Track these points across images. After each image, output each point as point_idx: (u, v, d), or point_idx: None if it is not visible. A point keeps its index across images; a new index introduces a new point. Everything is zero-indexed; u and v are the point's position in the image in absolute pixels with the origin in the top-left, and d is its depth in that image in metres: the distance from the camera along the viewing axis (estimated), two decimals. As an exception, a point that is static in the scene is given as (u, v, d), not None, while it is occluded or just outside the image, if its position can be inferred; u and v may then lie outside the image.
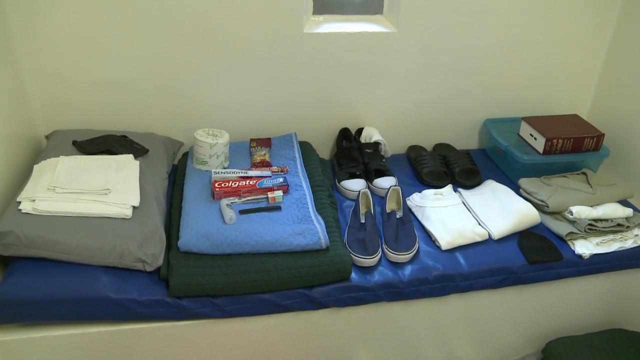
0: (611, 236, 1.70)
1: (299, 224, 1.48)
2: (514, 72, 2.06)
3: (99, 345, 1.43)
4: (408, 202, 1.74)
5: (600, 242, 1.68)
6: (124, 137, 1.74)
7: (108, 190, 1.47)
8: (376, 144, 1.91)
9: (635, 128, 1.96)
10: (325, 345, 1.58)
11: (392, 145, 2.09)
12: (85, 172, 1.52)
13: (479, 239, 1.61)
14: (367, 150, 1.88)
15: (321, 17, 1.92)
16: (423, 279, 1.50)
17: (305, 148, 1.90)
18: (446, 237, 1.59)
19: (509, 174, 1.97)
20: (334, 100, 1.97)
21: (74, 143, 1.68)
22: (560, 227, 1.69)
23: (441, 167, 1.92)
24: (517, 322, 1.72)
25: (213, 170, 1.66)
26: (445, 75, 2.01)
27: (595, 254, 1.64)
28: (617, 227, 1.71)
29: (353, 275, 1.48)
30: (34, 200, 1.41)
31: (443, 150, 2.06)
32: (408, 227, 1.59)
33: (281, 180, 1.63)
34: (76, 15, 1.66)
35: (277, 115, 1.96)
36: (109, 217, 1.42)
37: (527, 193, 1.79)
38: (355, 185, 1.77)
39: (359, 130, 2.01)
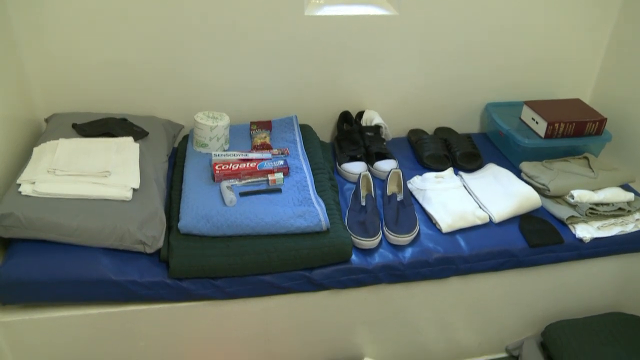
0: (612, 220, 1.69)
1: (300, 206, 1.48)
2: (516, 56, 2.05)
3: (100, 326, 1.43)
4: (409, 185, 1.73)
5: (601, 226, 1.67)
6: (124, 120, 1.73)
7: (108, 172, 1.46)
8: (377, 127, 1.90)
9: (638, 112, 1.95)
10: (325, 326, 1.59)
11: (393, 128, 2.08)
12: (85, 155, 1.52)
13: (479, 222, 1.61)
14: (368, 134, 1.87)
15: (322, 0, 1.91)
16: (423, 261, 1.50)
17: (306, 131, 1.89)
18: (447, 220, 1.58)
19: (511, 158, 1.96)
20: (335, 83, 1.96)
21: (74, 126, 1.67)
22: (561, 211, 1.68)
23: (442, 150, 1.91)
24: (517, 305, 1.72)
25: (213, 153, 1.66)
26: (447, 59, 1.99)
27: (596, 238, 1.63)
28: (618, 211, 1.70)
29: (353, 257, 1.48)
30: (33, 183, 1.41)
31: (444, 134, 2.05)
32: (409, 210, 1.59)
33: (282, 162, 1.62)
34: (75, -3, 1.65)
35: (278, 98, 1.95)
36: (109, 199, 1.42)
37: (529, 177, 1.79)
38: (356, 168, 1.77)
39: (360, 114, 2.01)
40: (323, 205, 1.50)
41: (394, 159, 1.84)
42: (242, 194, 1.52)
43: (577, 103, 1.99)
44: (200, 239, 1.42)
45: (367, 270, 1.47)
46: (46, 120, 1.77)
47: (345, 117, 1.99)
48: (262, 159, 1.63)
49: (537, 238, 1.60)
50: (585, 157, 1.89)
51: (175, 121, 1.91)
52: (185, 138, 1.87)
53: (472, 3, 1.89)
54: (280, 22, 1.80)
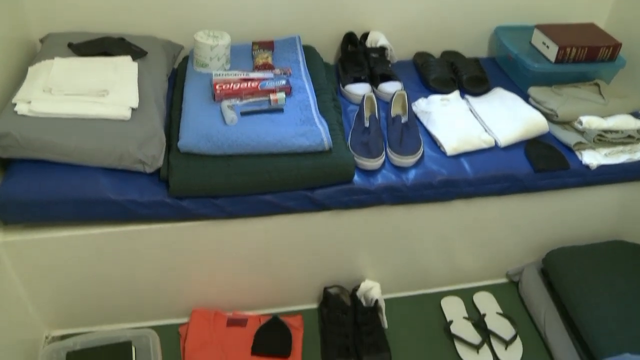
0: (620, 147, 1.66)
1: (302, 126, 1.45)
2: (530, -23, 1.96)
3: (102, 246, 1.44)
4: (413, 108, 1.69)
5: (609, 153, 1.64)
6: (122, 39, 1.68)
7: (106, 91, 1.43)
8: (382, 49, 1.84)
9: (654, 38, 1.88)
10: (326, 248, 1.59)
11: (399, 51, 2.01)
12: (82, 74, 1.48)
13: (485, 145, 1.58)
14: (373, 55, 1.82)
15: None
16: (427, 183, 1.48)
17: (309, 52, 1.83)
18: (452, 143, 1.56)
19: (519, 83, 1.91)
20: (340, 2, 1.88)
21: (70, 46, 1.62)
22: (568, 137, 1.65)
23: (449, 73, 1.86)
24: (519, 231, 1.72)
25: (214, 72, 1.61)
26: (456, -22, 1.91)
27: (603, 165, 1.61)
28: (628, 138, 1.67)
29: (356, 177, 1.46)
30: (29, 102, 1.37)
31: (451, 57, 1.99)
32: (413, 132, 1.56)
33: (284, 82, 1.58)
34: None
35: (280, 18, 1.87)
36: (107, 119, 1.39)
37: (537, 102, 1.75)
38: (360, 89, 1.72)
39: (365, 35, 1.94)
40: (326, 124, 1.47)
41: (398, 81, 1.79)
42: (244, 113, 1.49)
43: (591, 27, 1.91)
44: (200, 158, 1.40)
45: (370, 191, 1.45)
46: (41, 41, 1.71)
47: (349, 38, 1.93)
48: (263, 79, 1.59)
49: (543, 163, 1.57)
50: (596, 84, 1.84)
51: (175, 41, 1.85)
52: (186, 59, 1.81)
53: None
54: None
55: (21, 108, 1.37)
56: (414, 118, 1.61)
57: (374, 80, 1.79)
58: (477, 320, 1.74)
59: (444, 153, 1.56)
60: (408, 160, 1.49)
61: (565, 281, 1.67)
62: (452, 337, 1.69)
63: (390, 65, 1.83)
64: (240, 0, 1.81)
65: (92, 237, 1.42)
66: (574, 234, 1.79)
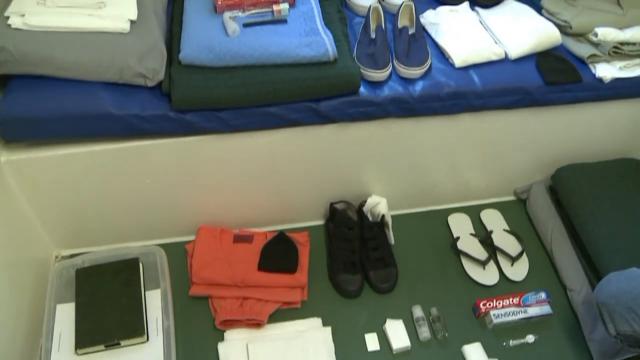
0: (637, 60, 1.60)
1: (306, 37, 1.41)
2: None
3: (105, 162, 1.43)
4: (421, 20, 1.63)
5: (624, 66, 1.59)
6: (118, -49, 1.61)
7: (102, 3, 1.38)
8: (389, -40, 1.76)
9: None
10: (332, 162, 1.58)
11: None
12: (77, -16, 1.42)
13: (495, 57, 1.53)
14: (380, -34, 1.74)
15: None
16: (434, 95, 1.44)
17: (313, -37, 1.75)
18: (460, 54, 1.50)
19: (532, -5, 1.83)
20: None
21: (65, -43, 1.56)
22: (582, 49, 1.59)
23: (458, -15, 1.78)
24: (528, 147, 1.70)
25: (215, -17, 1.55)
26: None
27: (617, 79, 1.55)
28: (645, 51, 1.61)
29: (362, 89, 1.42)
30: (23, 15, 1.32)
31: (461, -31, 1.91)
32: (421, 43, 1.50)
33: (287, -8, 1.52)
34: None
35: None
36: (105, 32, 1.34)
37: (550, 13, 1.67)
38: (366, 0, 1.66)
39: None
40: (331, 35, 1.42)
41: (406, -8, 1.71)
42: (246, 25, 1.44)
43: None
44: (202, 70, 1.36)
45: (376, 103, 1.42)
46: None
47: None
48: (266, -11, 1.53)
49: (555, 75, 1.52)
50: (615, -6, 1.76)
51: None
52: (185, -27, 1.75)
53: None
54: None
55: (15, 21, 1.32)
56: (421, 30, 1.55)
57: (381, -8, 1.72)
58: (484, 237, 1.74)
59: (452, 65, 1.51)
60: (415, 72, 1.45)
61: (573, 198, 1.66)
62: (459, 253, 1.70)
63: (397, -24, 1.75)
64: None
65: (96, 154, 1.40)
66: (583, 151, 1.76)
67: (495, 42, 1.57)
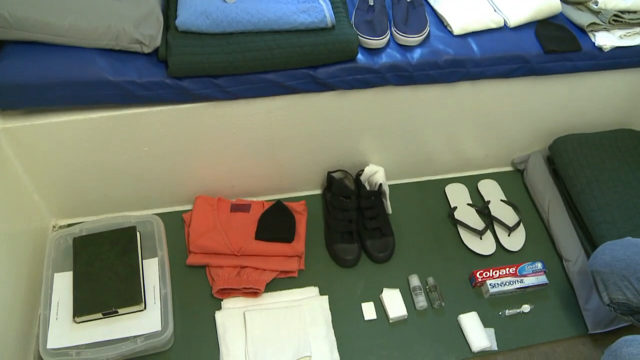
0: (637, 29, 1.58)
1: (304, 3, 1.39)
2: None
3: (102, 130, 1.41)
4: (420, -12, 1.62)
5: (624, 35, 1.57)
6: None
7: (98, -31, 1.36)
8: None
9: None
10: (330, 130, 1.57)
11: None
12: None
13: (493, 25, 1.52)
14: None
15: None
16: (433, 62, 1.43)
17: None
18: (459, 22, 1.49)
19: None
20: None
21: None
22: (581, 17, 1.58)
23: (458, -47, 1.76)
24: (526, 117, 1.69)
25: (210, -50, 1.53)
26: None
27: (617, 47, 1.54)
28: (646, 20, 1.60)
29: (360, 56, 1.41)
30: (18, -19, 1.31)
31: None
32: (419, 10, 1.49)
33: (284, -42, 1.50)
34: None
35: None
36: (99, -2, 1.34)
37: (550, -18, 1.66)
38: (365, -33, 1.64)
39: None
40: (329, 2, 1.40)
41: (405, -41, 1.69)
42: (242, -9, 1.42)
43: None
44: (199, 36, 1.35)
45: (374, 70, 1.41)
46: None
47: None
48: (262, -45, 1.51)
49: (554, 44, 1.51)
50: (616, -39, 1.74)
51: None
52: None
53: None
54: None
55: (9, -13, 1.30)
56: (420, -3, 1.54)
57: (379, -41, 1.69)
58: (481, 207, 1.75)
59: (450, 32, 1.50)
60: (413, 39, 1.43)
61: (570, 168, 1.66)
62: (456, 223, 1.70)
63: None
64: None
65: (92, 122, 1.39)
66: (581, 121, 1.76)
67: (495, 10, 1.56)
